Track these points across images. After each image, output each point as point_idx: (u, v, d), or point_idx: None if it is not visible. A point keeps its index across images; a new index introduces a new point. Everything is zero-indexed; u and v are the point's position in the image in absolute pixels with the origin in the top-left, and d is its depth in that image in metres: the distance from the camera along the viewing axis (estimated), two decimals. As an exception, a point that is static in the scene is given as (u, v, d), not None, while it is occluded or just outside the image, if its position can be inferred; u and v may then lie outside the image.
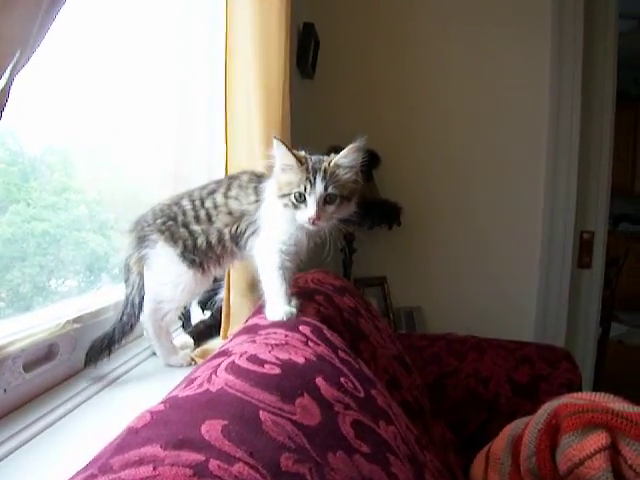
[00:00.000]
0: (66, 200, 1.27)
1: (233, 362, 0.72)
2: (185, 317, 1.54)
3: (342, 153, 1.10)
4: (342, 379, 0.80)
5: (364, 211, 1.19)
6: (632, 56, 3.35)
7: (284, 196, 1.10)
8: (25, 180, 1.28)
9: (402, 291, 2.99)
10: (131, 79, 1.59)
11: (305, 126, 2.30)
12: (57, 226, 1.34)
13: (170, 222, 1.24)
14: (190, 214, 1.23)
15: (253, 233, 1.19)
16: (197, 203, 1.23)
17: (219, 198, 1.22)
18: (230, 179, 1.24)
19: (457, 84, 2.90)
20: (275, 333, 0.87)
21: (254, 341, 0.81)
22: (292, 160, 1.08)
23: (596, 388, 2.81)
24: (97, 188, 1.59)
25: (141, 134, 1.67)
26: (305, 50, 2.50)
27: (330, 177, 1.07)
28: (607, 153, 3.00)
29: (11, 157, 1.24)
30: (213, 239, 1.22)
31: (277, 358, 0.74)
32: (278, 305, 1.10)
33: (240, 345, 0.79)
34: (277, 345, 0.80)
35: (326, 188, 1.07)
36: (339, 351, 0.93)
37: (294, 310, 1.09)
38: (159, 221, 1.25)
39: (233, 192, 1.21)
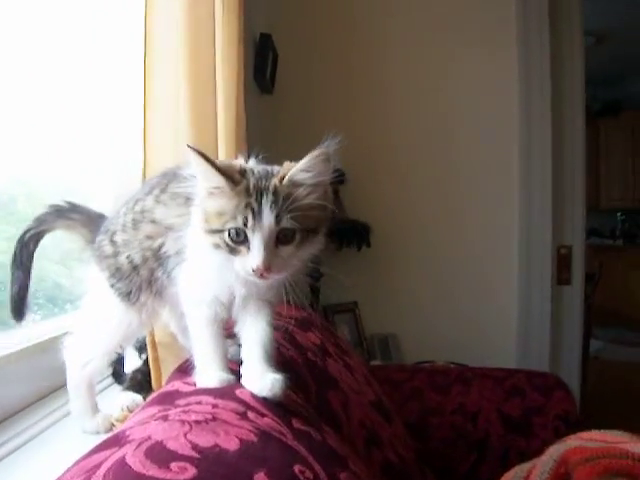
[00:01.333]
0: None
1: (123, 460, 0.44)
2: (117, 365, 1.24)
3: (301, 163, 0.75)
4: (296, 467, 0.53)
5: (331, 231, 0.85)
6: (591, 72, 3.25)
7: (214, 233, 0.76)
8: None
9: (375, 317, 2.75)
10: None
11: (265, 144, 2.05)
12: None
13: (102, 236, 0.95)
14: (120, 221, 0.93)
15: (178, 262, 0.86)
16: (130, 205, 0.93)
17: (149, 201, 0.90)
18: (174, 175, 0.90)
19: (426, 97, 2.70)
20: (199, 403, 0.60)
21: (166, 417, 0.54)
22: (219, 179, 0.74)
23: (580, 408, 2.61)
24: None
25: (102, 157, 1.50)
26: (262, 63, 2.25)
27: (284, 201, 0.73)
28: (580, 166, 2.85)
29: None
30: (136, 257, 0.90)
31: (194, 447, 0.47)
32: (209, 370, 0.80)
33: (144, 426, 0.51)
34: (198, 423, 0.52)
35: (279, 219, 0.72)
36: (294, 419, 0.66)
37: (231, 377, 0.79)
38: (99, 237, 0.96)
39: (165, 196, 0.89)
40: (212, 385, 0.76)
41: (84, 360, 0.96)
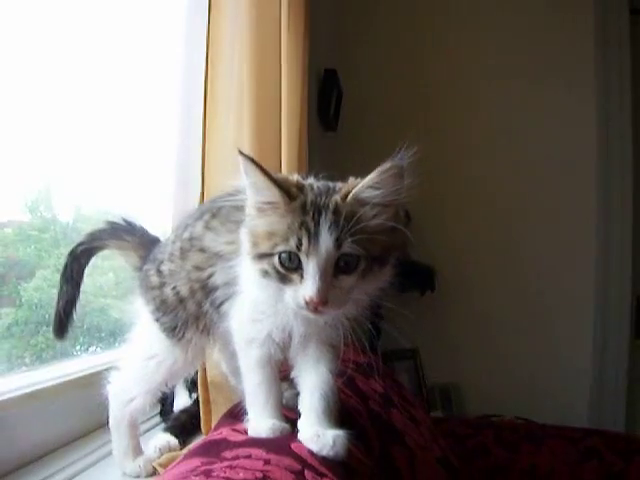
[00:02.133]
0: (93, 266, 1.08)
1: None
2: (165, 403, 1.16)
3: (368, 178, 0.65)
4: None
5: (396, 275, 0.73)
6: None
7: (262, 258, 0.66)
8: (56, 246, 1.24)
9: (436, 365, 2.60)
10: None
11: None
12: (83, 292, 1.16)
13: (150, 265, 0.87)
14: (168, 249, 0.85)
15: (228, 295, 0.77)
16: (179, 232, 0.85)
17: (198, 227, 0.81)
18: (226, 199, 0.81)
19: (496, 131, 2.60)
20: (248, 457, 0.52)
21: (209, 473, 0.46)
22: (273, 192, 0.65)
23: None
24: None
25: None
26: (326, 99, 2.22)
27: (347, 222, 0.62)
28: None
29: (44, 224, 1.25)
30: (183, 289, 0.81)
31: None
32: (261, 416, 0.71)
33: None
34: (247, 483, 0.44)
35: (339, 243, 0.62)
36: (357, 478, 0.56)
37: (286, 426, 0.69)
38: (146, 266, 0.89)
39: (216, 221, 0.80)
40: (264, 434, 0.67)
41: (127, 397, 0.88)
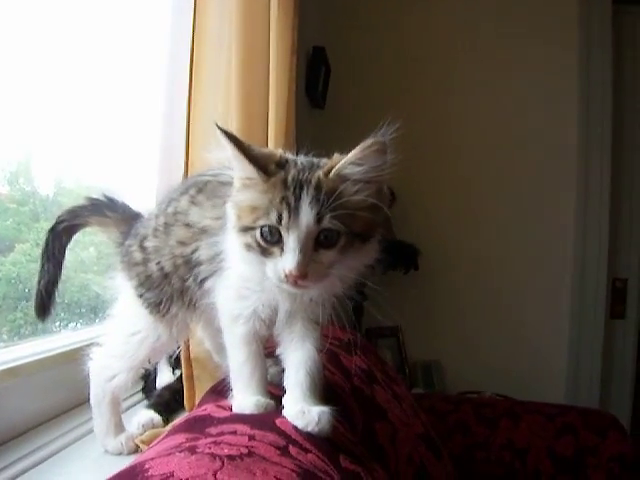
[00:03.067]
0: (75, 241, 1.04)
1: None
2: (148, 380, 1.15)
3: (351, 154, 0.63)
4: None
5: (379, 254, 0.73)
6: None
7: (245, 231, 0.65)
8: (35, 220, 1.21)
9: (419, 343, 2.61)
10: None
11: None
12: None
13: (132, 240, 0.85)
14: (152, 224, 0.82)
15: (212, 270, 0.75)
16: (162, 207, 0.83)
17: (184, 202, 0.79)
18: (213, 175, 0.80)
19: (480, 113, 2.58)
20: (233, 433, 0.51)
21: (194, 449, 0.45)
22: (249, 168, 0.64)
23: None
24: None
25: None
26: (315, 76, 2.18)
27: (328, 198, 0.61)
28: (638, 199, 2.73)
29: (23, 197, 1.21)
30: (167, 264, 0.79)
31: (225, 491, 0.37)
32: (246, 393, 0.70)
33: (167, 458, 0.42)
34: (232, 458, 0.43)
35: (320, 218, 0.61)
36: (341, 457, 0.55)
37: (270, 403, 0.68)
38: (127, 241, 0.86)
39: (202, 196, 0.78)
40: (248, 410, 0.66)
41: (109, 374, 0.86)
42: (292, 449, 0.51)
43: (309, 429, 0.62)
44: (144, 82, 1.39)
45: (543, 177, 2.57)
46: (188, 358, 1.03)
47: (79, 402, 1.03)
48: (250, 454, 0.45)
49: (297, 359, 0.70)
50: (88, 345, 0.89)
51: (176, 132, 1.20)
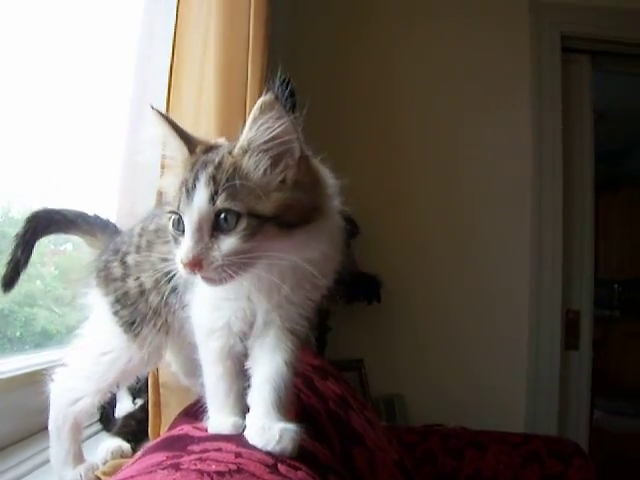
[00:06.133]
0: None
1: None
2: (106, 409, 1.06)
3: (246, 124, 0.57)
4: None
5: (341, 284, 0.68)
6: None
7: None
8: None
9: (381, 376, 2.55)
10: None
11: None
12: (7, 301, 1.14)
13: (111, 256, 0.79)
14: (135, 241, 0.77)
15: (189, 281, 0.68)
16: (146, 224, 0.78)
17: (165, 217, 0.71)
18: None
19: (440, 155, 2.61)
20: (219, 450, 0.46)
21: (177, 466, 0.39)
22: (177, 147, 0.60)
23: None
24: (56, 262, 1.40)
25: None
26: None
27: (226, 175, 0.55)
28: (589, 234, 2.81)
29: None
30: (147, 281, 0.74)
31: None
32: (221, 413, 0.63)
33: (149, 475, 0.37)
34: (221, 475, 0.38)
35: (213, 197, 0.54)
36: (330, 476, 0.51)
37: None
38: (104, 256, 0.81)
39: None
40: (226, 432, 0.59)
41: (73, 397, 0.79)
42: (281, 467, 0.46)
43: (269, 448, 0.55)
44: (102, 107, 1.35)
45: (500, 213, 2.61)
46: (156, 384, 0.96)
47: (32, 431, 0.95)
48: (239, 470, 0.41)
49: (264, 373, 0.64)
50: (42, 369, 0.83)
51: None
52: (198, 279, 0.65)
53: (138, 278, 0.75)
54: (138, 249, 0.76)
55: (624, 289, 6.68)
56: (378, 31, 2.59)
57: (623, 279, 6.57)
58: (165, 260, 0.71)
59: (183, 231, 0.57)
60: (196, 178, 0.55)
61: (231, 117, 1.13)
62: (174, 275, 0.68)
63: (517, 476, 1.60)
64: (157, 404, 0.96)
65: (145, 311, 0.75)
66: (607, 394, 5.07)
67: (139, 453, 0.53)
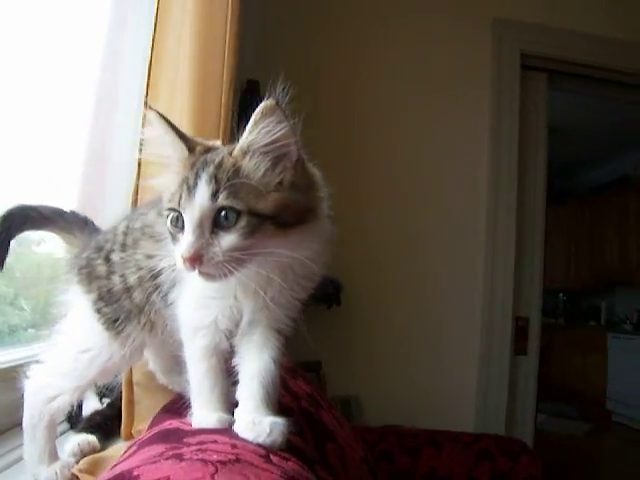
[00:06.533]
0: None
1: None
2: (73, 407, 1.05)
3: (247, 127, 0.59)
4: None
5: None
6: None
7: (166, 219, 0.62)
8: None
9: (338, 378, 2.57)
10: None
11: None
12: None
13: (94, 254, 0.79)
14: (119, 239, 0.78)
15: (174, 281, 0.69)
16: (131, 224, 0.78)
17: (151, 215, 0.75)
18: None
19: (399, 164, 2.66)
20: (215, 442, 0.47)
21: (180, 456, 0.41)
22: (176, 146, 0.61)
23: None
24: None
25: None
26: (246, 110, 2.16)
27: (227, 173, 0.57)
28: (540, 244, 2.90)
29: None
30: (131, 278, 0.74)
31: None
32: (206, 409, 0.65)
33: (154, 465, 0.38)
34: (223, 464, 0.40)
35: (215, 195, 0.56)
36: (317, 466, 0.53)
37: (233, 419, 0.63)
38: (85, 253, 0.80)
39: None
40: (210, 426, 0.61)
41: (51, 394, 0.78)
42: (273, 457, 0.48)
43: (260, 441, 0.56)
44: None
45: (456, 222, 2.68)
46: (130, 382, 0.96)
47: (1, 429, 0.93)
48: (238, 460, 0.43)
49: (252, 370, 0.66)
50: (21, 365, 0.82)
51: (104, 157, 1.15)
52: (187, 276, 0.67)
53: (123, 275, 0.75)
54: (123, 247, 0.77)
55: (568, 298, 6.95)
56: (343, 45, 2.62)
57: (567, 289, 6.84)
58: (150, 257, 0.72)
59: (182, 228, 0.58)
60: (197, 176, 0.57)
61: (205, 116, 1.14)
62: (159, 273, 0.69)
63: (470, 473, 1.65)
64: (130, 402, 0.96)
65: (129, 308, 0.75)
66: (549, 397, 5.27)
67: (132, 446, 0.54)
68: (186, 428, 0.57)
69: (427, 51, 2.65)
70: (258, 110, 0.58)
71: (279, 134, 0.58)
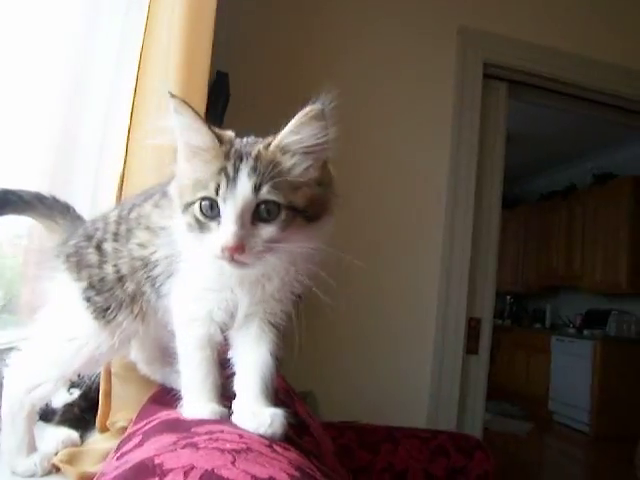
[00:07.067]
0: None
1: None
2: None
3: (289, 124, 0.62)
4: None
5: None
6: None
7: (187, 208, 0.62)
8: None
9: (293, 373, 2.58)
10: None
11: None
12: None
13: (83, 242, 0.78)
14: (111, 228, 0.77)
15: (169, 272, 0.70)
16: (125, 213, 0.78)
17: (147, 207, 0.75)
18: None
19: (365, 158, 2.65)
20: (222, 432, 0.49)
21: (195, 445, 0.43)
22: (204, 135, 0.61)
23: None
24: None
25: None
26: (215, 102, 2.15)
27: (267, 168, 0.59)
28: (494, 248, 2.99)
29: None
30: (124, 267, 0.74)
31: (253, 477, 0.37)
32: (198, 400, 0.65)
33: (174, 453, 0.40)
34: (238, 452, 0.42)
35: (258, 188, 0.58)
36: (312, 458, 0.55)
37: (225, 411, 0.64)
38: (73, 241, 0.80)
39: (164, 200, 0.74)
40: (203, 417, 0.62)
41: (33, 383, 0.77)
42: (277, 447, 0.50)
43: (261, 431, 0.58)
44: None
45: (415, 225, 2.74)
46: (108, 373, 0.95)
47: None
48: (249, 449, 0.45)
49: (250, 362, 0.68)
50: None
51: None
52: (183, 268, 0.68)
53: (116, 265, 0.75)
54: (116, 236, 0.77)
55: (515, 301, 7.17)
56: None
57: (515, 292, 7.06)
58: (144, 247, 0.73)
59: (214, 217, 0.59)
60: (237, 168, 0.59)
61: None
62: (156, 264, 0.70)
63: (426, 469, 1.70)
64: (108, 394, 0.96)
65: (121, 298, 0.75)
66: (494, 397, 5.44)
67: (132, 436, 0.55)
68: (187, 419, 0.58)
69: (392, 57, 2.69)
70: (305, 113, 0.61)
71: (323, 139, 0.62)
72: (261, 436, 0.54)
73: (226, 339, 0.70)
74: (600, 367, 5.25)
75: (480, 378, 2.95)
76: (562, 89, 2.78)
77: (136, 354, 0.88)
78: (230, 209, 0.58)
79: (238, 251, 0.58)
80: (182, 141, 0.63)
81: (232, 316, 0.69)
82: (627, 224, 5.44)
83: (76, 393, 1.07)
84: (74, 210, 0.90)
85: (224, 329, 0.69)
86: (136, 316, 0.76)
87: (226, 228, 0.58)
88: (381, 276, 2.69)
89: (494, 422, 5.17)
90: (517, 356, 6.42)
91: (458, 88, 2.70)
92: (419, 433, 1.84)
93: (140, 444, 0.49)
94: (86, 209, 1.03)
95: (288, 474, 0.41)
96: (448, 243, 2.76)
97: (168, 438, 0.47)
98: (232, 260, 0.59)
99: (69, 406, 1.02)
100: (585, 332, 5.75)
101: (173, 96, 0.61)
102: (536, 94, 2.86)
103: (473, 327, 2.92)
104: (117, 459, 0.48)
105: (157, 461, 0.39)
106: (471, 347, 2.91)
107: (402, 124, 2.70)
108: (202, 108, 1.30)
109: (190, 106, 0.62)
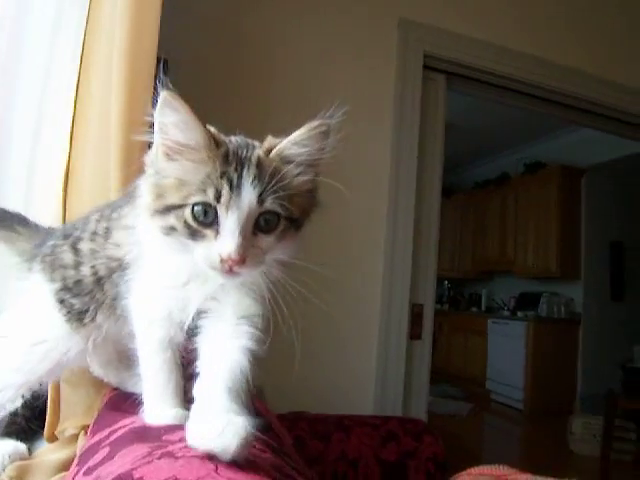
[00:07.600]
0: None
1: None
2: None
3: (296, 135, 0.60)
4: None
5: None
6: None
7: (167, 211, 0.56)
8: None
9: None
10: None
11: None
12: None
13: (60, 241, 0.74)
14: (91, 227, 0.73)
15: (135, 270, 0.66)
16: (107, 212, 0.74)
17: (127, 208, 0.70)
18: None
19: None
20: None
21: (172, 454, 0.41)
22: (199, 134, 0.57)
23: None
24: None
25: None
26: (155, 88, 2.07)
27: (271, 178, 0.56)
28: (435, 236, 3.07)
29: None
30: (101, 268, 0.70)
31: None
32: (161, 405, 0.62)
33: (151, 465, 0.38)
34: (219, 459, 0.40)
35: (262, 199, 0.55)
36: (285, 457, 0.54)
37: (188, 414, 0.57)
38: (51, 242, 0.75)
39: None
40: (167, 422, 0.59)
41: None
42: (252, 450, 0.49)
43: (213, 448, 0.46)
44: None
45: (358, 214, 2.74)
46: (57, 380, 0.90)
47: None
48: (230, 455, 0.43)
49: (215, 360, 0.63)
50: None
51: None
52: (141, 268, 0.65)
53: (94, 266, 0.71)
54: (93, 235, 0.73)
55: (453, 286, 7.39)
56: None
57: (452, 277, 7.27)
58: (118, 246, 0.69)
59: (209, 225, 0.55)
60: (240, 175, 0.55)
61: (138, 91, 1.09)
62: (126, 264, 0.67)
63: (377, 454, 1.73)
64: (56, 402, 0.91)
65: (101, 300, 0.72)
66: (435, 380, 5.60)
67: (99, 448, 0.52)
68: (154, 425, 0.55)
69: (332, 47, 2.67)
70: (315, 127, 0.60)
71: (328, 155, 0.63)
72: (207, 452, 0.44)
73: (189, 337, 0.67)
74: (533, 346, 5.49)
75: (424, 362, 3.00)
76: (498, 82, 2.87)
77: (90, 355, 0.84)
78: (233, 219, 0.55)
79: (239, 263, 0.55)
80: (167, 138, 0.59)
81: (192, 317, 0.66)
82: (556, 211, 5.69)
83: (18, 402, 1.02)
84: (28, 217, 0.85)
85: (184, 329, 0.66)
86: (118, 319, 0.72)
87: (229, 239, 0.55)
88: (325, 266, 2.70)
89: (436, 404, 5.31)
90: (455, 339, 6.63)
91: (399, 79, 2.73)
92: (369, 420, 1.87)
93: (110, 456, 0.47)
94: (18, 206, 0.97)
95: (273, 478, 0.40)
96: (391, 232, 2.80)
97: (140, 449, 0.45)
98: (230, 272, 0.56)
99: (12, 416, 0.96)
100: (519, 314, 6.01)
101: (166, 89, 0.57)
102: (473, 86, 2.92)
103: (416, 313, 2.97)
104: (85, 474, 0.45)
105: (136, 475, 0.37)
106: (415, 332, 2.96)
107: (343, 116, 2.69)
108: (149, 95, 1.26)
109: (184, 101, 0.57)
